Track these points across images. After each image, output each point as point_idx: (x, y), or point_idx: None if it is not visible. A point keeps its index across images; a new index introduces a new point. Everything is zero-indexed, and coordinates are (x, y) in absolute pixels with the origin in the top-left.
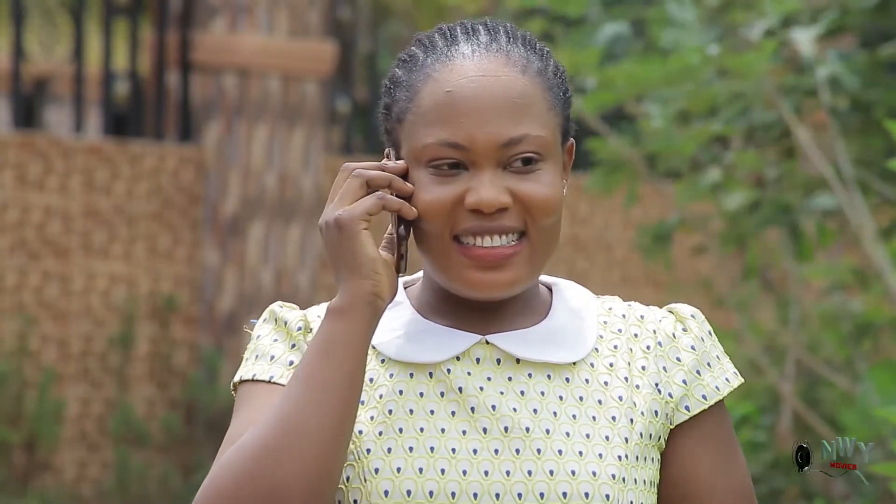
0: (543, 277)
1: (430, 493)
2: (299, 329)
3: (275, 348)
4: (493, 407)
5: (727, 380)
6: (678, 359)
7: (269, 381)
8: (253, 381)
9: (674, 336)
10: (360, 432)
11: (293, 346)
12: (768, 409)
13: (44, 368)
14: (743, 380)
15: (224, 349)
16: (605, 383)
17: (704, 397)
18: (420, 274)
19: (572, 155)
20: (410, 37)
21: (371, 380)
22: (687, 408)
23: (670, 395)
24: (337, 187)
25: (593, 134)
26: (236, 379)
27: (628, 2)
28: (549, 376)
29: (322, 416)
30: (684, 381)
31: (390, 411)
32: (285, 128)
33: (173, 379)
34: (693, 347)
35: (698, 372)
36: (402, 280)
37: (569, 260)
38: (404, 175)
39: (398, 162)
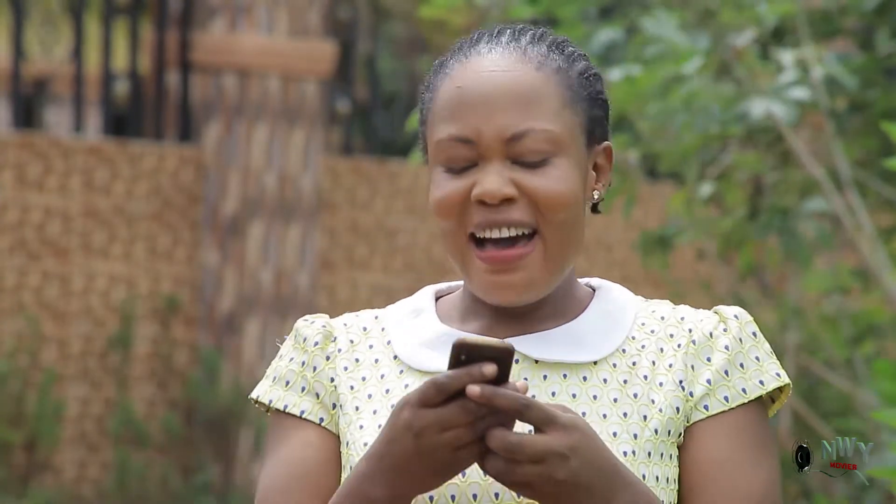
0: (593, 280)
1: (430, 499)
2: (316, 344)
3: (290, 372)
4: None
5: (761, 382)
6: (709, 359)
7: (286, 413)
8: (276, 411)
9: (711, 335)
10: (366, 444)
11: (303, 363)
12: None
13: (44, 368)
14: (787, 381)
15: (224, 349)
16: (625, 381)
17: (727, 398)
18: (454, 285)
19: (610, 158)
20: (410, 37)
21: (387, 391)
22: (706, 407)
23: (691, 394)
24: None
25: None
26: (253, 395)
27: (623, 10)
28: (564, 375)
29: None
30: (708, 381)
31: None
32: (285, 128)
33: (173, 379)
34: (727, 347)
35: (727, 373)
36: (434, 289)
37: None
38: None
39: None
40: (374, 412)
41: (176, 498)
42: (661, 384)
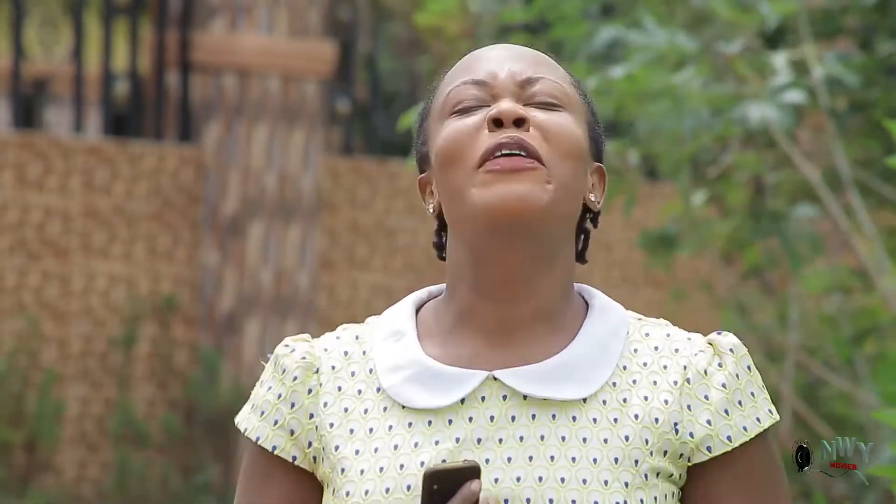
0: (586, 290)
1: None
2: (295, 379)
3: (266, 402)
4: (487, 461)
5: (758, 419)
6: (706, 397)
7: (260, 445)
8: (250, 440)
9: (706, 373)
10: (348, 493)
11: (280, 395)
12: None
13: (44, 368)
14: (778, 418)
15: (224, 349)
16: (615, 420)
17: (730, 438)
18: (434, 289)
19: (603, 180)
20: (410, 37)
21: (371, 430)
22: (709, 448)
23: (691, 436)
24: None
25: None
26: (237, 420)
27: (625, 8)
28: (553, 416)
29: None
30: (709, 422)
31: (381, 469)
32: (285, 128)
33: (173, 379)
34: (724, 385)
35: (727, 412)
36: (413, 302)
37: None
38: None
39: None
40: (357, 452)
41: (176, 498)
42: (656, 420)
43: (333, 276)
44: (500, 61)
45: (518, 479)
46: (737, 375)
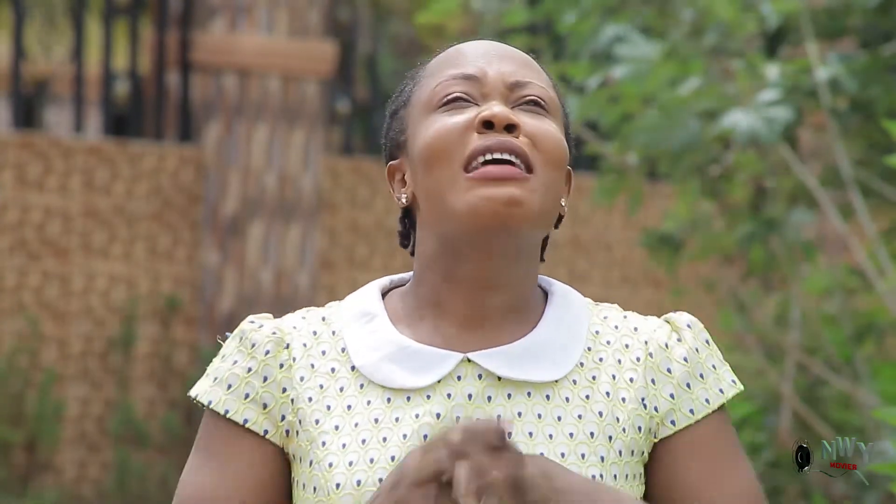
0: (542, 279)
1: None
2: (267, 353)
3: (233, 375)
4: None
5: (721, 391)
6: (669, 370)
7: (226, 418)
8: (213, 413)
9: (666, 346)
10: (331, 464)
11: (250, 369)
12: (769, 410)
13: (44, 368)
14: (741, 388)
15: None
16: (587, 397)
17: (692, 411)
18: (396, 278)
19: (570, 183)
20: (411, 37)
21: (349, 407)
22: (672, 422)
23: (656, 410)
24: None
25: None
26: (192, 393)
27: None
28: (528, 394)
29: None
30: (672, 396)
31: (364, 441)
32: (285, 128)
33: (173, 379)
34: (686, 359)
35: (688, 385)
36: (378, 287)
37: (569, 260)
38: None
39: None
40: (336, 428)
41: None
42: (623, 400)
43: (333, 276)
44: (489, 58)
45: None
46: (696, 350)
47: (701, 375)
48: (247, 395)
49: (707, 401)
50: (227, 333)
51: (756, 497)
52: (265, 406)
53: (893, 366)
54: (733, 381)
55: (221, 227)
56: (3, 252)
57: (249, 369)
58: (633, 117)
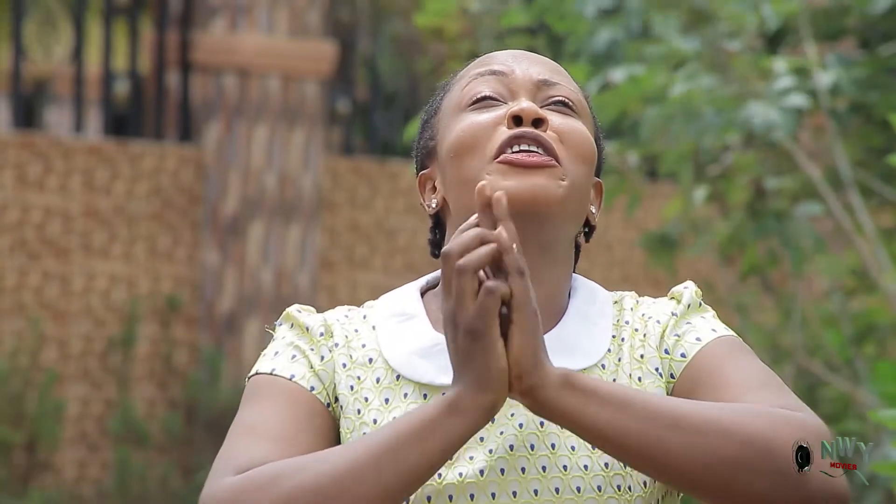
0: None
1: (428, 499)
2: (321, 335)
3: (296, 348)
4: (501, 433)
5: (714, 330)
6: (673, 313)
7: (290, 379)
8: (271, 374)
9: (671, 313)
10: None
11: (311, 348)
12: None
13: (44, 368)
14: (733, 335)
15: (224, 349)
16: (614, 381)
17: (698, 339)
18: (431, 278)
19: (600, 196)
20: (411, 37)
21: (387, 400)
22: (682, 355)
23: (666, 352)
24: (447, 283)
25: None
26: (253, 372)
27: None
28: None
29: (389, 486)
30: (677, 335)
31: None
32: (285, 128)
33: (173, 379)
34: (689, 305)
35: (689, 322)
36: (417, 288)
37: None
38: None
39: (483, 231)
40: (375, 421)
41: (176, 498)
42: (640, 379)
43: (333, 276)
44: (518, 59)
45: (532, 448)
46: (688, 305)
47: (703, 317)
48: (311, 366)
49: (714, 329)
50: (277, 323)
51: (768, 379)
52: (322, 382)
53: (893, 365)
54: (726, 328)
55: (221, 227)
56: (4, 252)
57: (311, 348)
58: (634, 117)
